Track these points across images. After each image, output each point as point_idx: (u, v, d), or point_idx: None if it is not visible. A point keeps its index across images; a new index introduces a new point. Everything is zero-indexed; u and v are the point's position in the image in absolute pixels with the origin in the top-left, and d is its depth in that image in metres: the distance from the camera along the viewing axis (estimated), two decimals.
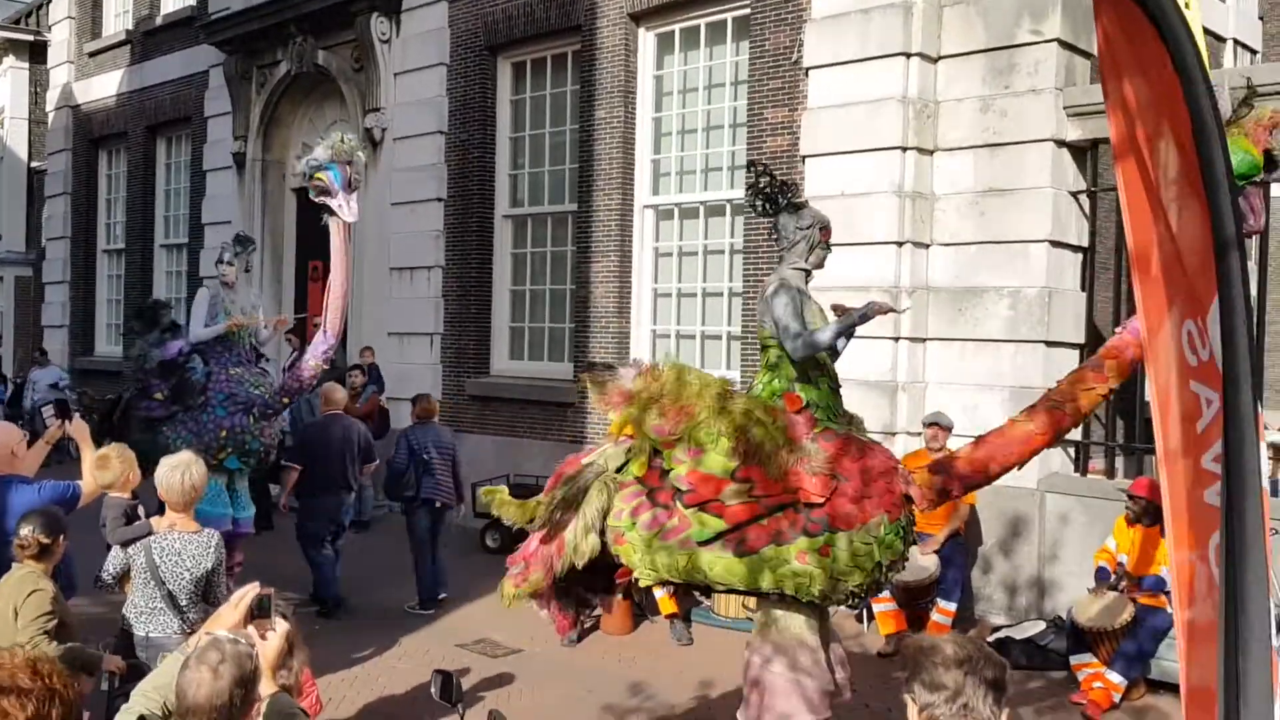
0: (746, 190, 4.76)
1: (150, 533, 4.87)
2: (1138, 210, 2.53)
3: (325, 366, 7.38)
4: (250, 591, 2.77)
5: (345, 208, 6.58)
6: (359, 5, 12.47)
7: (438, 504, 8.44)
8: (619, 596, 7.76)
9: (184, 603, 4.68)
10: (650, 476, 4.30)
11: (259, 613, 2.73)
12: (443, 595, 8.48)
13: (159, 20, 16.52)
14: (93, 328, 18.41)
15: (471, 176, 11.81)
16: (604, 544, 4.32)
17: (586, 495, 4.31)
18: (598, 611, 7.91)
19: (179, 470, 4.71)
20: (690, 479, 4.17)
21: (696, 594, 8.47)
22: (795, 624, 4.25)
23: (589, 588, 4.81)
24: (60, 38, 19.20)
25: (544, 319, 11.62)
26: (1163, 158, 2.38)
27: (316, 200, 6.71)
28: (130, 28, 17.21)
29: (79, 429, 5.31)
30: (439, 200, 12.02)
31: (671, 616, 7.71)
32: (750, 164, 4.83)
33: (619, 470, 4.39)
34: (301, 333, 13.83)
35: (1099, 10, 2.57)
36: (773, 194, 4.63)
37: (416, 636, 7.68)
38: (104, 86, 17.63)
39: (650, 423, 4.23)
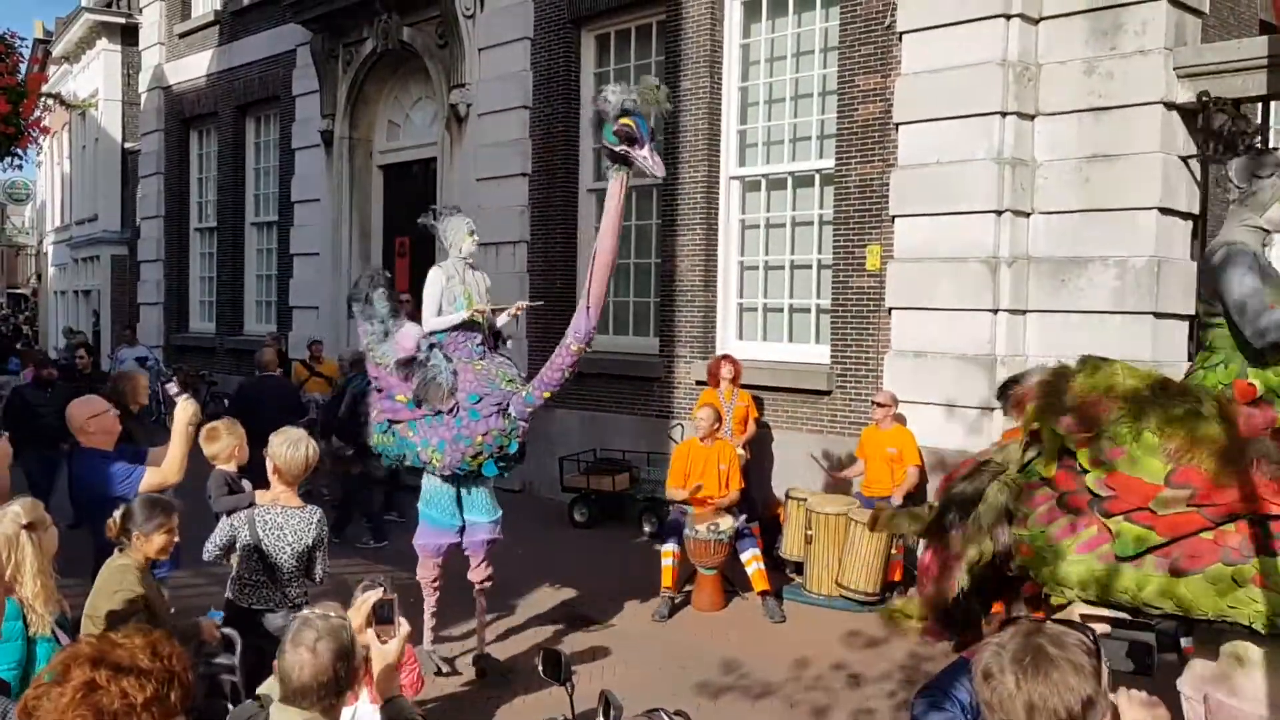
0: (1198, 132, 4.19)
1: (253, 503, 4.94)
2: None
3: (586, 349, 6.19)
4: (372, 596, 2.76)
5: (650, 160, 5.55)
6: None
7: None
8: (711, 573, 7.72)
9: (285, 577, 4.73)
10: (1062, 478, 3.63)
11: (381, 617, 2.72)
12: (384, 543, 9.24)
13: (246, 0, 16.75)
14: (187, 305, 18.86)
15: (556, 150, 11.76)
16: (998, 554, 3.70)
17: (983, 497, 3.70)
18: (689, 587, 7.88)
19: (290, 445, 4.74)
20: (1112, 483, 3.50)
21: (788, 570, 8.40)
22: (1255, 654, 3.57)
23: (983, 600, 3.97)
24: (151, 20, 19.62)
25: (629, 293, 11.56)
26: None
27: (616, 149, 5.59)
28: (219, 8, 17.49)
29: (183, 410, 5.12)
30: (524, 175, 12.00)
31: (764, 593, 7.63)
32: (1201, 95, 4.11)
33: (1022, 470, 3.73)
34: None
35: None
36: (1231, 135, 4.07)
37: (506, 610, 7.72)
38: (194, 67, 17.97)
39: (1057, 416, 3.63)
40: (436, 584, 6.50)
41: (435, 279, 6.48)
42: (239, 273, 17.35)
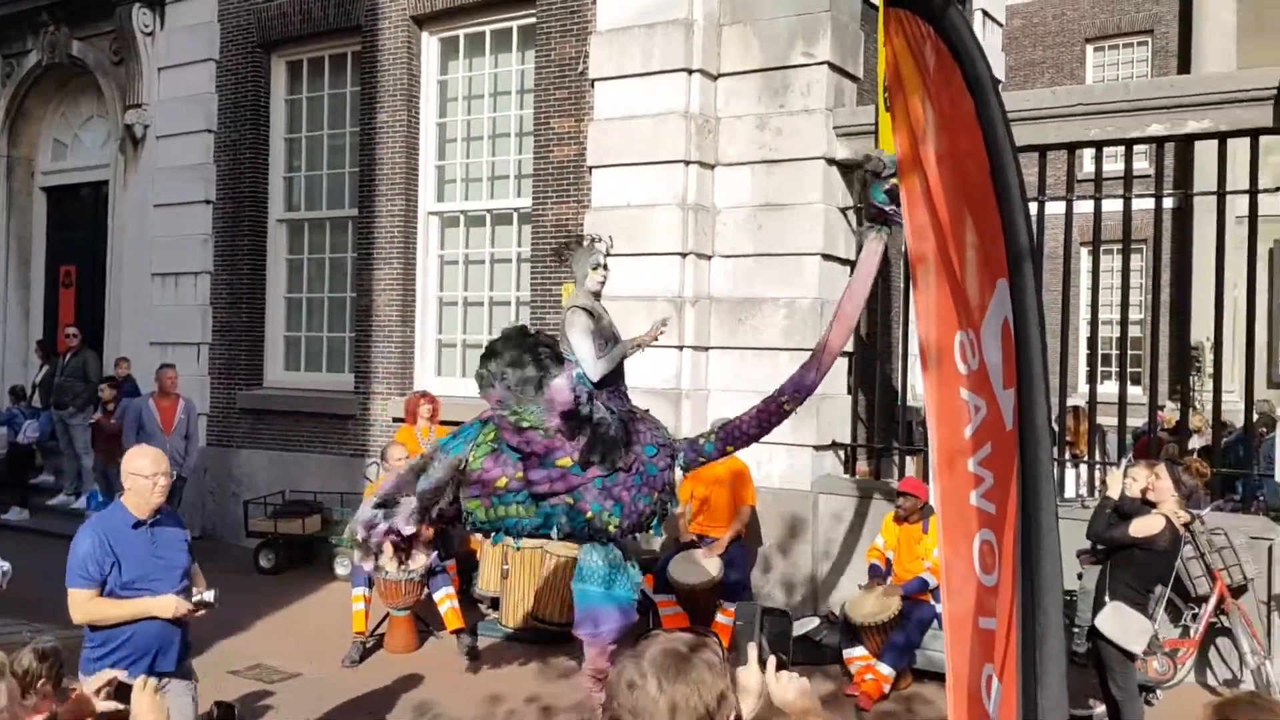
0: None
1: None
2: (919, 225, 2.65)
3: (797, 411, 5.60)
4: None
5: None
6: None
7: None
8: (403, 613, 7.58)
9: None
10: None
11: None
12: None
13: None
14: None
15: (243, 178, 11.26)
16: None
17: None
18: (381, 630, 7.69)
19: None
20: None
21: (482, 606, 8.39)
22: None
23: None
24: None
25: (322, 328, 11.21)
26: (947, 174, 2.50)
27: (886, 209, 5.00)
28: None
29: None
30: (207, 202, 11.41)
31: (458, 631, 7.56)
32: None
33: None
34: (52, 344, 12.83)
35: (889, 32, 2.67)
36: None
37: None
38: None
39: None
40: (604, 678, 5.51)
41: (582, 318, 5.38)
42: None
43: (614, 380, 5.46)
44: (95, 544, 4.16)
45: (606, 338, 5.39)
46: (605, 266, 5.57)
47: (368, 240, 10.39)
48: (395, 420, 9.87)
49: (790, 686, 2.21)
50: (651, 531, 5.86)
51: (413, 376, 10.25)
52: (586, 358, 5.31)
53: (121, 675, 2.77)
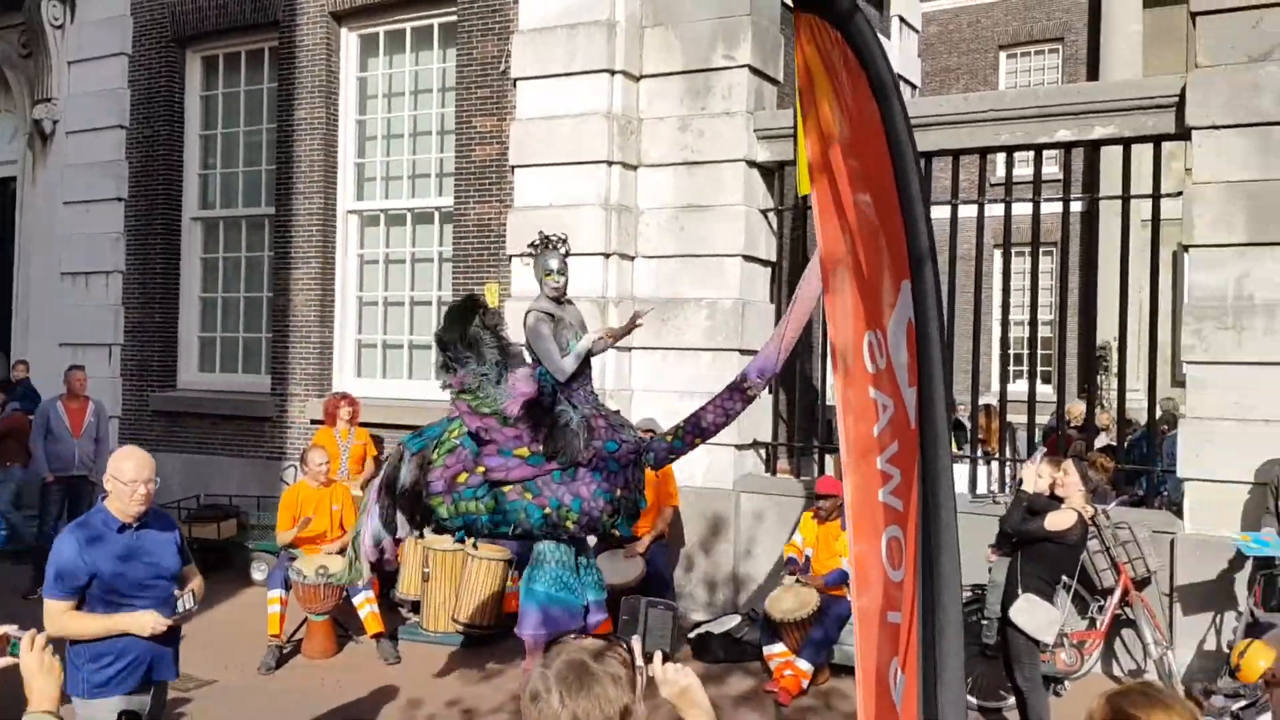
0: None
1: None
2: (829, 227, 2.70)
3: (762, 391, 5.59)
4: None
5: None
6: None
7: None
8: (321, 618, 7.47)
9: None
10: None
11: None
12: None
13: None
14: None
15: (156, 175, 11.01)
16: None
17: None
18: (299, 635, 7.57)
19: None
20: None
21: (403, 610, 8.31)
22: None
23: None
24: None
25: (238, 328, 11.01)
26: (854, 178, 2.55)
27: None
28: None
29: None
30: (119, 200, 11.14)
31: (378, 635, 7.48)
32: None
33: None
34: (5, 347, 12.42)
35: (800, 36, 2.71)
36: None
37: None
38: None
39: None
40: None
41: (541, 327, 5.45)
42: None
43: (579, 378, 5.49)
44: (74, 553, 3.99)
45: (564, 342, 5.44)
46: (560, 271, 5.61)
47: (285, 239, 10.22)
48: (314, 422, 9.74)
49: (677, 679, 2.22)
50: (618, 531, 5.87)
51: (331, 378, 10.12)
52: (550, 358, 5.37)
53: (11, 630, 2.68)
